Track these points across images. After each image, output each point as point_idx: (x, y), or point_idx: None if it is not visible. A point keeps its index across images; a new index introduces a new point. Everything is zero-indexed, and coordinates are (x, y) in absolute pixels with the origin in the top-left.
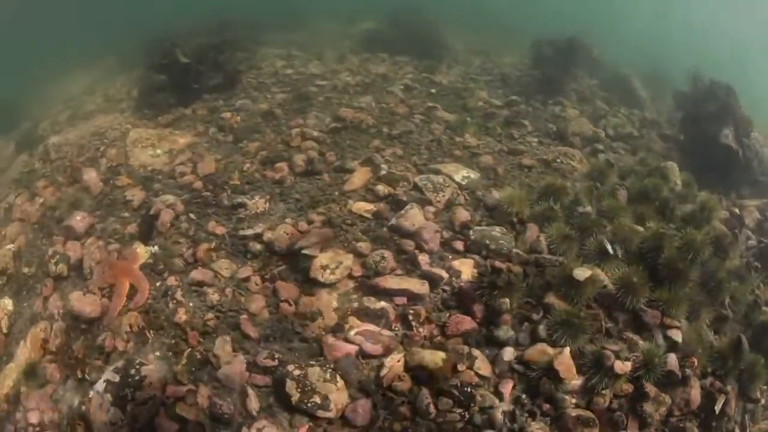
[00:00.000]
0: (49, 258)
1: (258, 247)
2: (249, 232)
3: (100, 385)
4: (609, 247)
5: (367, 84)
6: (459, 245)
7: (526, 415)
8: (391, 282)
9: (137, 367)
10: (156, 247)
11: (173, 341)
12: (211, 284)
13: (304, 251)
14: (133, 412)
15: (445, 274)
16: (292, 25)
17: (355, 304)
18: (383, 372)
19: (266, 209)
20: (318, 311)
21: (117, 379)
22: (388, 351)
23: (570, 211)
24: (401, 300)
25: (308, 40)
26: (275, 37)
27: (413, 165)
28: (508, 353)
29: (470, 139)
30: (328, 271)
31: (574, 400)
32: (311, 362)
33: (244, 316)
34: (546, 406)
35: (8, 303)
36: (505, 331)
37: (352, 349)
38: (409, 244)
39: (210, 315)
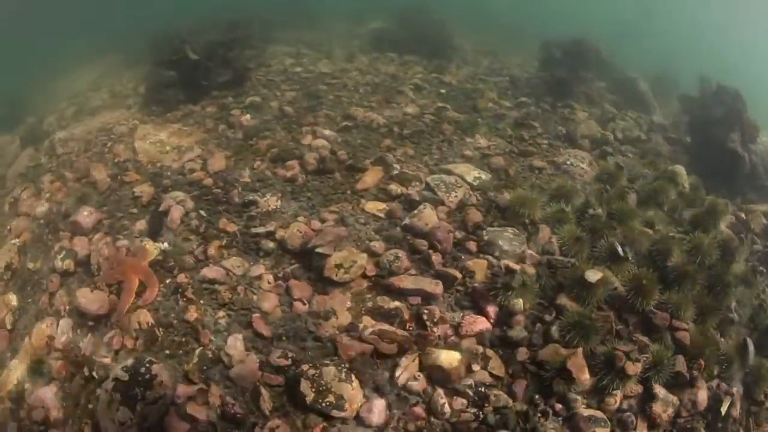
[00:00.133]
0: (55, 253)
1: (270, 245)
2: (261, 230)
3: (108, 384)
4: (620, 250)
5: (377, 83)
6: (472, 246)
7: (539, 415)
8: (405, 282)
9: (147, 365)
10: (166, 244)
11: (184, 339)
12: (223, 282)
13: (318, 250)
14: (142, 412)
15: (458, 274)
16: (301, 24)
17: (369, 304)
18: (398, 372)
19: (278, 207)
20: (332, 310)
21: (126, 377)
22: (402, 351)
23: (581, 213)
24: (415, 300)
25: (317, 39)
26: (284, 35)
27: (425, 165)
28: (522, 353)
29: (481, 140)
30: (342, 270)
31: (585, 401)
32: (326, 361)
33: (257, 315)
34: (558, 406)
35: (13, 298)
36: (518, 332)
37: (367, 348)
38: (422, 244)
39: (221, 313)
